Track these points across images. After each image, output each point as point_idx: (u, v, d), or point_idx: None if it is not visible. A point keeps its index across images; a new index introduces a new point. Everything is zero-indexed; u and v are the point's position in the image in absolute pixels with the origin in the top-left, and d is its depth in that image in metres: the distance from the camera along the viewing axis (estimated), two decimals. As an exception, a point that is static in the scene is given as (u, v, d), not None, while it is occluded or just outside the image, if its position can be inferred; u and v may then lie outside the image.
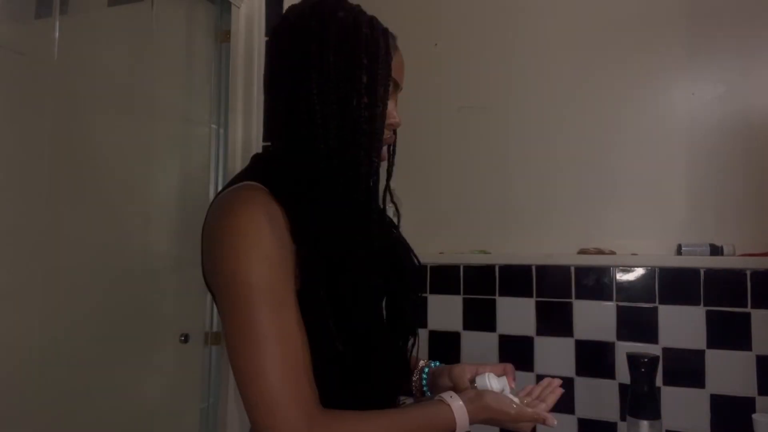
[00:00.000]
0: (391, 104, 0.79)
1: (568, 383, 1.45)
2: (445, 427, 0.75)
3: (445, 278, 1.56)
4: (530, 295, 1.49)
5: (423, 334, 0.94)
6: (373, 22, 0.76)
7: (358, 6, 0.78)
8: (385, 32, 0.77)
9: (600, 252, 1.44)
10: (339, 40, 0.72)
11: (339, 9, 0.74)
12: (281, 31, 0.76)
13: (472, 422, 0.76)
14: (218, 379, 1.35)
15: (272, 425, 0.62)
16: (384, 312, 0.82)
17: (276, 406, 0.62)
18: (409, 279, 0.86)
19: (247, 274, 0.64)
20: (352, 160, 0.72)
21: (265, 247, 0.65)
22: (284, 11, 0.79)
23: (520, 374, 1.49)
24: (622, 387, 1.39)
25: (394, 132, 0.85)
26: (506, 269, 1.52)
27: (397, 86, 0.81)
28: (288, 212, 0.69)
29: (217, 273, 0.68)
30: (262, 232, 0.65)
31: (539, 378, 1.48)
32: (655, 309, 1.38)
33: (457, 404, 0.76)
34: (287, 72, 0.74)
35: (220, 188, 1.41)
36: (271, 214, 0.67)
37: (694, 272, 1.36)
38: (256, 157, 0.83)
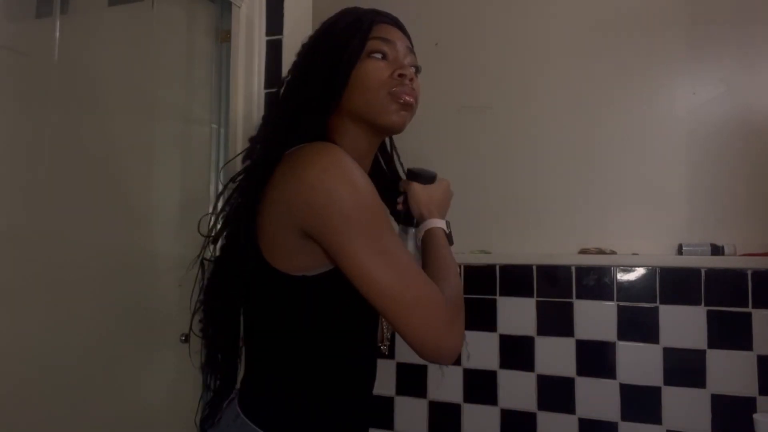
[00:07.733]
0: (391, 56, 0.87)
1: (568, 383, 1.45)
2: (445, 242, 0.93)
3: (446, 278, 1.56)
4: (531, 295, 1.49)
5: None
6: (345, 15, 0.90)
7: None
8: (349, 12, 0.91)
9: (601, 252, 1.44)
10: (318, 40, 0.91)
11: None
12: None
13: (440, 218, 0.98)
14: (218, 379, 1.35)
15: (435, 317, 0.73)
16: None
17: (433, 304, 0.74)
18: None
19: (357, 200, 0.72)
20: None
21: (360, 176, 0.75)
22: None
23: (521, 374, 1.50)
24: (623, 387, 1.39)
25: (411, 80, 0.87)
26: (507, 269, 1.52)
27: (386, 41, 0.87)
28: None
29: (329, 213, 0.72)
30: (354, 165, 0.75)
31: (540, 378, 1.48)
32: (656, 309, 1.38)
33: (435, 223, 0.95)
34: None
35: (220, 188, 1.41)
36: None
37: (695, 272, 1.36)
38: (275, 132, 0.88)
